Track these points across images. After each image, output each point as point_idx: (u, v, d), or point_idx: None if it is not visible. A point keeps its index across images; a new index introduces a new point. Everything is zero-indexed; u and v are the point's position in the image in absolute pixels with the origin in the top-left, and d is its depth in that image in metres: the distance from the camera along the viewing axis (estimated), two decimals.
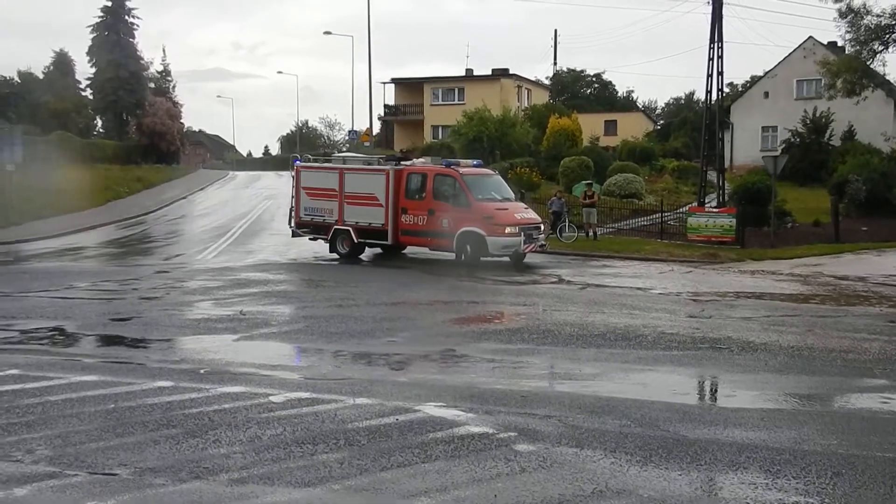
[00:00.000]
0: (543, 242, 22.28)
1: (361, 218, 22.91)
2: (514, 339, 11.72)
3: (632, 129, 64.47)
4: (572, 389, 9.01)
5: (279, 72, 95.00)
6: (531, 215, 22.27)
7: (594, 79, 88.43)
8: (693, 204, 32.25)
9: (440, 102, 67.49)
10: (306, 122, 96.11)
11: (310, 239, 24.20)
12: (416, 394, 8.45)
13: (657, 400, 8.48)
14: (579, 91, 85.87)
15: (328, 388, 8.74)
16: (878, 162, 36.36)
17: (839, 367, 10.23)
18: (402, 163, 23.45)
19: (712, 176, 33.83)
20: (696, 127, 53.45)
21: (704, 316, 14.40)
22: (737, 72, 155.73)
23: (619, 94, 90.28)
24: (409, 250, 23.89)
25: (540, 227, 22.22)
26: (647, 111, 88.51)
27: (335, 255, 23.29)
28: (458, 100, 65.62)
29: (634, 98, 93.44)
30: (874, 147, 43.57)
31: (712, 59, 30.94)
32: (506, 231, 21.13)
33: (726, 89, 64.26)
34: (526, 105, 66.76)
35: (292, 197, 24.44)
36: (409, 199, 22.32)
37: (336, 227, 23.24)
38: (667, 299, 16.58)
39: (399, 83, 71.22)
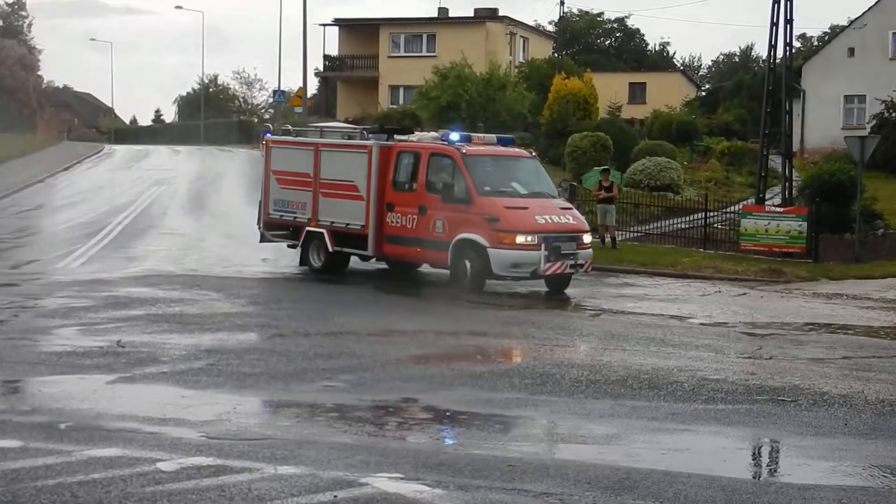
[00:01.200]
0: (582, 261, 20.35)
1: (338, 216, 22.12)
2: (499, 386, 11.74)
3: (667, 95, 65.04)
4: (579, 457, 9.01)
5: (177, 7, 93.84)
6: (566, 220, 20.43)
7: (616, 25, 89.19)
8: (749, 201, 32.67)
9: (402, 54, 67.79)
10: (215, 78, 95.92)
11: (288, 246, 23.84)
12: (363, 460, 8.44)
13: (696, 472, 8.51)
14: (595, 42, 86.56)
15: (239, 451, 8.71)
16: None
17: None
18: (395, 136, 22.37)
19: (776, 162, 34.19)
20: (755, 95, 54.09)
21: (763, 356, 14.51)
22: (812, 20, 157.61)
23: (649, 48, 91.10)
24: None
25: (580, 238, 20.46)
26: (689, 71, 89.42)
27: (300, 268, 22.93)
28: (428, 51, 66.00)
29: (671, 53, 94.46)
30: None
31: (778, 2, 31.30)
32: (516, 241, 19.57)
33: (797, 44, 65.26)
34: (521, 60, 67.17)
35: (262, 185, 24.01)
36: (398, 190, 21.35)
37: (308, 228, 22.56)
38: (712, 332, 16.71)
39: (345, 26, 71.47)
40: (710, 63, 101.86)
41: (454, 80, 49.29)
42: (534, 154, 23.01)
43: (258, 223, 24.11)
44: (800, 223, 28.13)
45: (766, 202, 31.64)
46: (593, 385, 11.94)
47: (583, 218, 21.46)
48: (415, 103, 53.75)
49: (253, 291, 19.91)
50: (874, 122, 48.25)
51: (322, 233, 22.15)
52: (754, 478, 9.04)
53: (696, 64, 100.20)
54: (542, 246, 19.54)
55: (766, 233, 28.21)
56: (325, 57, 71.44)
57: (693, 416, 10.62)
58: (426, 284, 21.81)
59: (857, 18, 55.80)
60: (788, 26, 31.54)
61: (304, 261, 22.77)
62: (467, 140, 21.21)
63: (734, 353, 14.71)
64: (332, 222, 22.10)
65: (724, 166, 46.04)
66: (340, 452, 8.71)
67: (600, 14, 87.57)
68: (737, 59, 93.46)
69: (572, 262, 20.08)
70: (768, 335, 16.59)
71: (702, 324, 17.60)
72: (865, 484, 8.61)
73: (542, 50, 71.27)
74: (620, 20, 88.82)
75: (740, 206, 31.75)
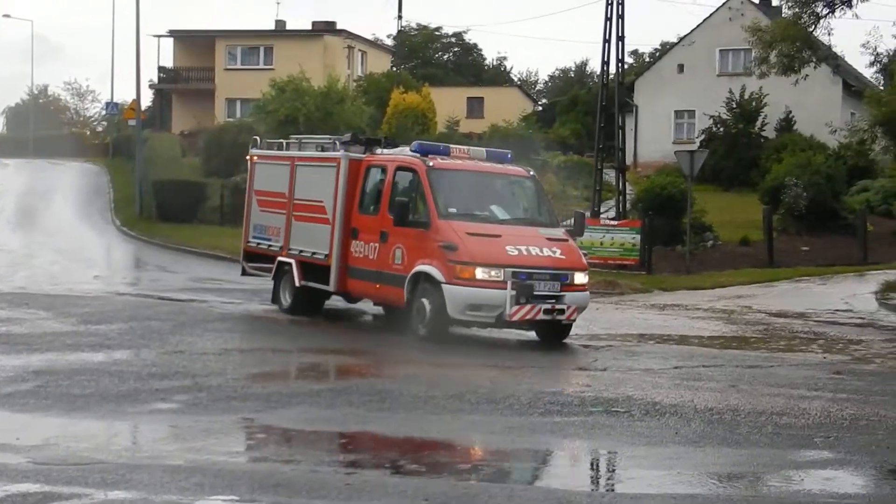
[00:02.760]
0: (564, 306, 16.40)
1: (307, 243, 19.23)
2: (336, 403, 11.71)
3: (504, 109, 65.90)
4: (417, 474, 9.06)
5: (5, 15, 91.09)
6: (550, 253, 16.69)
7: (454, 40, 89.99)
8: (585, 214, 33.27)
9: (239, 66, 67.27)
10: (45, 89, 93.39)
11: (273, 279, 20.19)
12: (197, 483, 8.31)
13: (533, 485, 8.61)
14: (433, 56, 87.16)
15: (68, 476, 8.48)
16: (822, 161, 38.45)
17: (770, 436, 10.71)
18: (374, 149, 18.97)
19: (610, 176, 35.02)
20: (590, 110, 55.20)
21: (598, 368, 14.80)
22: (644, 37, 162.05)
23: (487, 63, 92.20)
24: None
25: (567, 276, 16.64)
26: (525, 86, 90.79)
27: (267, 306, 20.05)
28: (265, 63, 65.61)
29: (508, 68, 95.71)
30: (817, 140, 46.06)
31: (610, 19, 32.13)
32: (475, 275, 16.00)
33: (630, 60, 66.92)
34: (360, 73, 67.27)
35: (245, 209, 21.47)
36: (364, 213, 18.24)
37: (280, 258, 19.69)
38: (544, 345, 16.95)
39: (180, 37, 70.50)
40: (547, 78, 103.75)
41: (292, 94, 48.99)
42: (531, 173, 18.83)
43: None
44: (633, 236, 28.88)
45: (602, 215, 32.37)
46: (432, 401, 12.00)
47: (579, 253, 17.43)
48: (252, 116, 53.25)
49: (84, 310, 19.39)
50: (703, 136, 49.86)
51: (291, 263, 19.25)
52: (590, 489, 9.20)
53: (532, 79, 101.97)
54: (510, 284, 15.88)
55: (602, 245, 28.87)
56: (160, 69, 70.35)
57: (529, 429, 10.75)
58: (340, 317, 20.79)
59: (686, 35, 57.61)
60: (620, 43, 32.42)
61: (275, 297, 19.88)
62: (443, 152, 18.02)
63: (571, 365, 14.98)
64: (301, 251, 19.24)
65: (560, 180, 46.85)
66: (174, 475, 8.55)
67: (438, 28, 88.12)
68: (572, 75, 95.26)
69: (549, 306, 16.18)
70: (603, 347, 16.95)
71: (535, 337, 17.74)
72: (694, 491, 8.84)
73: (381, 64, 71.53)
74: (458, 35, 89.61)
75: None
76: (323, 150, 19.47)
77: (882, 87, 43.04)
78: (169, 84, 70.07)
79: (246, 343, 16.15)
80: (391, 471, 9.38)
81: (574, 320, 16.81)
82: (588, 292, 17.14)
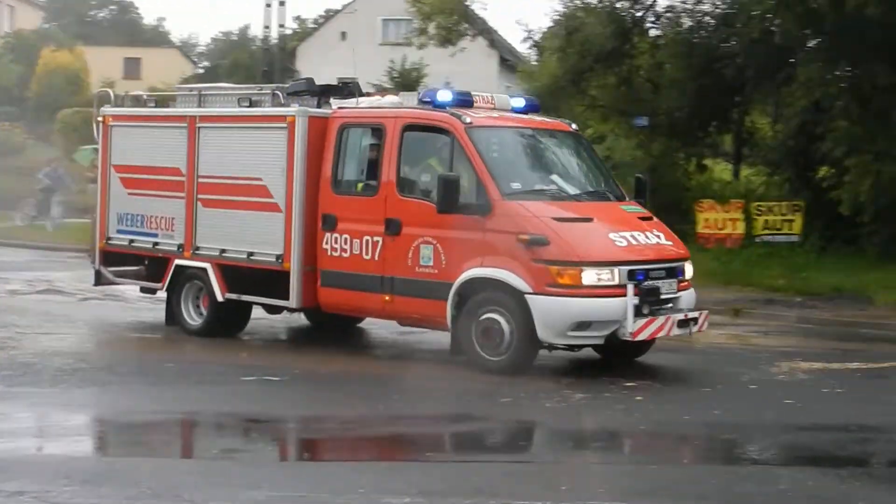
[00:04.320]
0: (695, 315, 12.32)
1: (234, 240, 13.96)
2: None
3: (163, 71, 64.22)
4: (61, 451, 8.87)
5: None
6: (656, 239, 12.58)
7: None
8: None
9: None
10: None
11: (142, 291, 15.85)
12: None
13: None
14: (87, 14, 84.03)
15: None
16: None
17: None
18: (332, 101, 14.08)
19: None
20: (252, 74, 54.67)
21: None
22: (312, 3, 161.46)
23: (145, 23, 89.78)
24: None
25: (680, 271, 12.57)
26: (186, 49, 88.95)
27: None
28: None
29: (166, 30, 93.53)
30: None
31: None
32: (581, 280, 11.60)
33: (293, 25, 66.73)
34: (7, 30, 63.80)
35: (96, 190, 15.77)
36: (344, 192, 13.33)
37: (179, 261, 14.42)
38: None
39: None
40: (210, 41, 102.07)
41: None
42: (575, 128, 14.20)
43: (90, 255, 15.84)
44: None
45: None
46: (78, 373, 11.63)
47: (675, 239, 13.05)
48: None
49: None
50: None
51: (205, 269, 14.07)
52: None
53: (193, 41, 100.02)
54: (630, 288, 11.63)
55: None
56: None
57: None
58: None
59: (349, 4, 58.12)
60: (282, 7, 32.28)
61: (171, 316, 14.65)
62: (466, 103, 13.09)
63: None
64: (223, 251, 13.99)
65: None
66: None
67: None
68: (235, 38, 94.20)
69: (681, 315, 12.12)
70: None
71: None
72: None
73: (31, 20, 68.13)
74: None
75: None
76: (251, 105, 14.13)
77: (534, 62, 44.96)
78: None
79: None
80: (34, 448, 9.08)
81: (703, 330, 12.71)
82: (693, 291, 12.83)
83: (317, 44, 57.84)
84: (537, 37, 35.05)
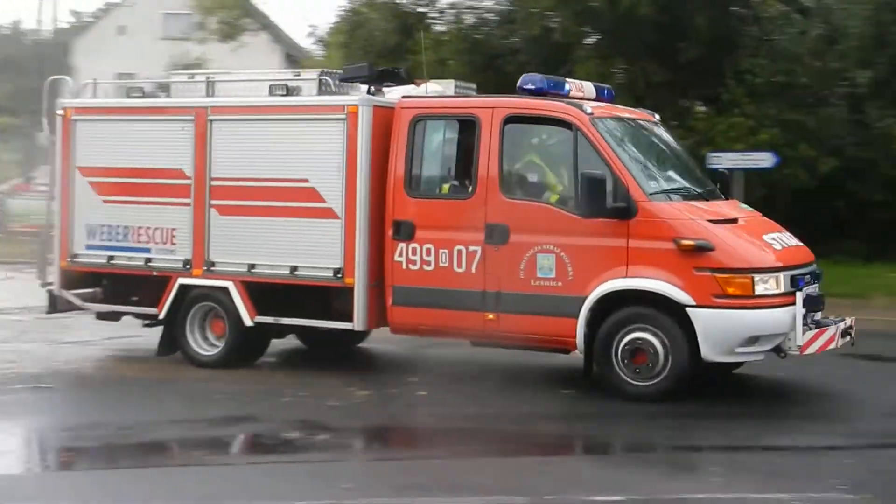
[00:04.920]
0: (851, 322, 11.28)
1: (267, 253, 12.08)
2: None
3: None
4: None
5: None
6: (792, 240, 11.55)
7: None
8: (20, 181, 32.00)
9: None
10: None
11: (97, 319, 13.55)
12: None
13: None
14: None
15: None
16: None
17: None
18: (386, 88, 12.44)
19: (45, 140, 33.85)
20: (23, 70, 52.86)
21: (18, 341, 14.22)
22: None
23: None
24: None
25: (819, 273, 11.60)
26: None
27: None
28: None
29: None
30: None
31: None
32: (754, 289, 10.41)
33: (70, 19, 64.80)
34: None
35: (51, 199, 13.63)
36: (422, 195, 11.65)
37: (184, 280, 12.43)
38: None
39: None
40: None
41: None
42: (657, 118, 12.87)
43: (40, 276, 13.72)
44: None
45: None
46: None
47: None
48: None
49: None
50: None
51: (225, 288, 12.19)
52: None
53: None
54: (798, 297, 10.51)
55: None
56: None
57: None
58: None
59: None
60: (56, 1, 31.09)
61: (169, 344, 12.62)
62: (562, 90, 11.70)
63: None
64: (252, 267, 12.13)
65: None
66: None
67: None
68: (8, 32, 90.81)
69: (844, 324, 11.10)
70: (17, 321, 16.19)
71: None
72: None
73: None
74: None
75: (12, 186, 31.06)
76: (289, 93, 12.15)
77: (319, 58, 44.92)
78: None
79: None
80: None
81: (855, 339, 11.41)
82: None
83: (94, 38, 56.36)
84: (321, 32, 35.03)
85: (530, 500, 7.30)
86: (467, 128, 11.38)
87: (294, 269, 11.70)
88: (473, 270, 11.08)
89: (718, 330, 10.26)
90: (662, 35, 21.17)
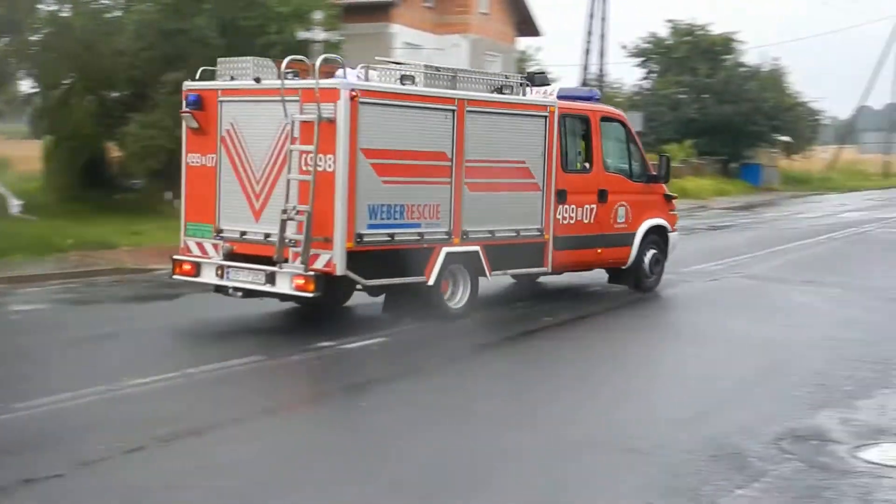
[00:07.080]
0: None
1: (500, 220, 15.28)
2: None
3: None
4: None
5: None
6: None
7: None
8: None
9: None
10: None
11: (365, 294, 14.84)
12: None
13: None
14: None
15: None
16: None
17: None
18: (534, 90, 16.61)
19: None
20: None
21: None
22: None
23: None
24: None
25: None
26: None
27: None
28: None
29: None
30: None
31: None
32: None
33: None
34: None
35: (310, 181, 13.26)
36: (570, 171, 16.56)
37: (447, 248, 14.49)
38: None
39: None
40: None
41: None
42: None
43: (276, 255, 13.31)
44: None
45: None
46: None
47: None
48: None
49: None
50: None
51: (476, 252, 14.88)
52: None
53: None
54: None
55: None
56: None
57: None
58: None
59: None
60: None
61: (426, 301, 14.42)
62: (597, 98, 18.49)
63: None
64: (492, 233, 15.15)
65: None
66: None
67: None
68: None
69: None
70: None
71: None
72: None
73: None
74: None
75: None
76: (498, 91, 15.23)
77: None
78: None
79: None
80: None
81: None
82: None
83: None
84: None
85: None
86: (585, 124, 17.04)
87: (518, 231, 15.61)
88: (591, 220, 17.00)
89: (674, 245, 18.88)
90: None
